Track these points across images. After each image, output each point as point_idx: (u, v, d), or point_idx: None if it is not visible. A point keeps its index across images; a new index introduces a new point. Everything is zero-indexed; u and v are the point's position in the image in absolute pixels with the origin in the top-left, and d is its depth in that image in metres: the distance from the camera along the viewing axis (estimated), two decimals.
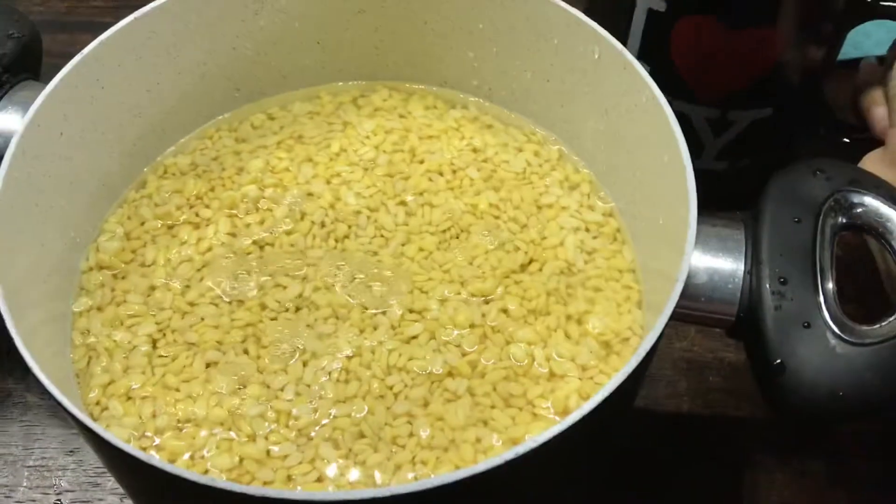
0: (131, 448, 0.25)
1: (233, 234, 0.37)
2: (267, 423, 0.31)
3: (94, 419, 0.32)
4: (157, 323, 0.34)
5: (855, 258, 0.42)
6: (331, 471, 0.30)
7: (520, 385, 0.32)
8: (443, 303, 0.34)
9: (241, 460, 0.30)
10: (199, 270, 0.36)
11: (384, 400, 0.32)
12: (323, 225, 0.37)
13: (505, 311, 0.34)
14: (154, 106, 0.39)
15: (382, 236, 0.37)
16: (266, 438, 0.31)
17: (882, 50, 0.52)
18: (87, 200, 0.36)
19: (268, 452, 0.31)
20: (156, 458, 0.25)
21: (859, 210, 0.30)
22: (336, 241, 0.36)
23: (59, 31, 0.54)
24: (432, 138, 0.41)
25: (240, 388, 0.32)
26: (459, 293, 0.35)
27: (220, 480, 0.24)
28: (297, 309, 0.34)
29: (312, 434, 0.31)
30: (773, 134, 0.44)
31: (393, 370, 0.32)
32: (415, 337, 0.33)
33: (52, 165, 0.34)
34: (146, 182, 0.39)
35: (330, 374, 0.32)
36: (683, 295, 0.28)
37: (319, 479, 0.30)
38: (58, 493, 0.37)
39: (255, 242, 0.36)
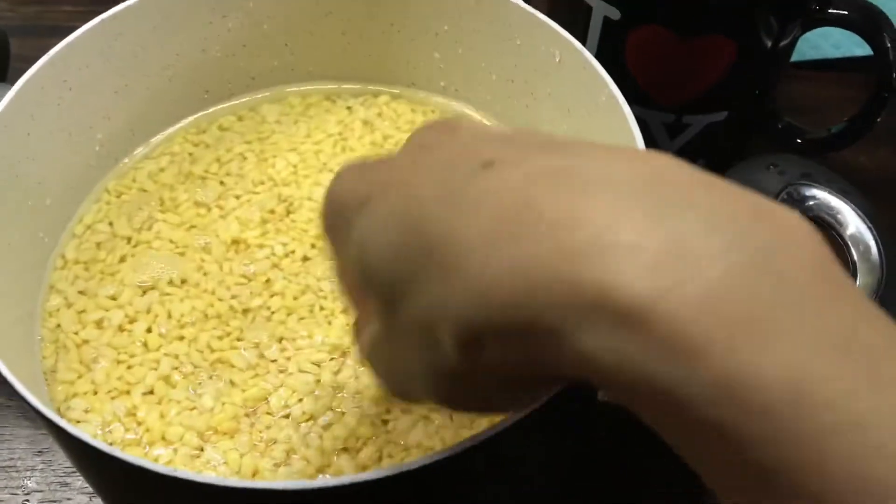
0: (99, 443, 0.25)
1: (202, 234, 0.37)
2: (234, 422, 0.32)
3: (62, 415, 0.32)
4: (124, 319, 0.34)
5: None
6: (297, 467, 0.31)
7: None
8: None
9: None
10: (164, 272, 0.36)
11: (358, 398, 0.32)
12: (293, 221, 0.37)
13: None
14: (122, 107, 0.39)
15: None
16: (231, 438, 0.31)
17: (840, 51, 0.53)
18: (55, 201, 0.37)
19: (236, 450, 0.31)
20: (123, 453, 0.25)
21: (811, 203, 0.31)
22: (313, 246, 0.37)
23: (28, 35, 0.54)
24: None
25: (199, 385, 0.32)
26: None
27: (187, 472, 0.25)
28: (272, 312, 0.34)
29: (279, 438, 0.31)
30: (727, 136, 0.45)
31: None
32: None
33: (19, 166, 0.34)
34: (115, 183, 0.39)
35: (299, 369, 0.33)
36: None
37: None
38: (26, 494, 0.37)
39: (234, 241, 0.37)
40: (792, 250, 0.15)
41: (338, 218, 0.21)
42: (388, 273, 0.18)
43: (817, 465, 0.14)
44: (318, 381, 0.32)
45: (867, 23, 0.41)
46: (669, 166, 0.17)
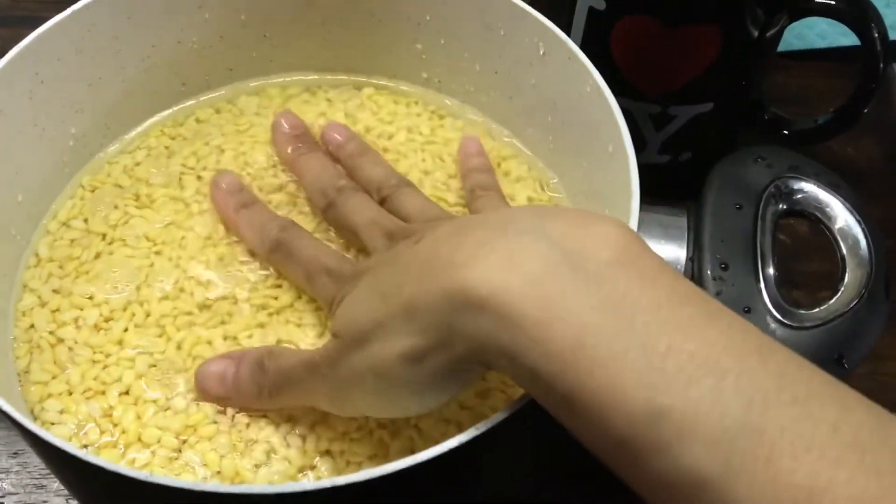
0: (74, 448, 0.25)
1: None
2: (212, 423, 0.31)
3: (36, 417, 0.31)
4: (100, 318, 0.33)
5: (803, 246, 0.43)
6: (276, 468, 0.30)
7: None
8: None
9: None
10: (141, 269, 0.35)
11: None
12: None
13: None
14: (96, 101, 0.38)
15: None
16: (209, 439, 0.31)
17: (825, 41, 0.53)
18: (28, 197, 0.36)
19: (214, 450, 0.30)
20: (98, 458, 0.25)
21: (799, 196, 0.31)
22: None
23: (0, 27, 0.53)
24: (391, 137, 0.40)
25: (176, 384, 0.32)
26: None
27: (162, 476, 0.24)
28: (250, 308, 0.34)
29: (258, 438, 0.31)
30: (714, 128, 0.44)
31: None
32: None
33: None
34: (89, 178, 0.38)
35: None
36: None
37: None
38: (1, 496, 0.36)
39: (210, 237, 0.36)
40: (597, 249, 0.22)
41: (332, 275, 0.31)
42: (364, 322, 0.26)
43: (595, 388, 0.21)
44: None
45: (854, 13, 0.40)
46: (521, 211, 0.27)
